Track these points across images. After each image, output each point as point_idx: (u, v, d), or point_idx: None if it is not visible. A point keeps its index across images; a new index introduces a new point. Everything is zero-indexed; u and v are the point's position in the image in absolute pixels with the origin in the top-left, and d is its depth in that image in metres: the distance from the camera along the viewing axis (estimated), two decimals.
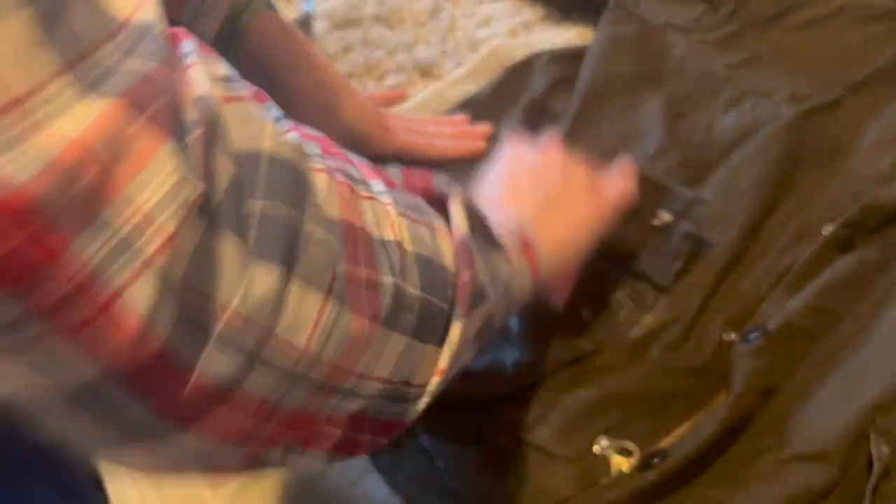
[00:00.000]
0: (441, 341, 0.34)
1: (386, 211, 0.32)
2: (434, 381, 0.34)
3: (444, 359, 0.34)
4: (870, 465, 0.46)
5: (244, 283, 0.25)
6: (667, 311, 0.53)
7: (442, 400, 0.49)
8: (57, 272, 0.21)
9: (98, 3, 0.22)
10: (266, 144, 0.27)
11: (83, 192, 0.21)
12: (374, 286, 0.29)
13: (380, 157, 0.62)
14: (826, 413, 0.48)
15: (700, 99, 0.68)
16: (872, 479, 0.44)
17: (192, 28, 0.57)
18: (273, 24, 0.58)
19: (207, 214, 0.24)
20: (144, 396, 0.24)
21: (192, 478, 0.35)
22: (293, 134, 0.30)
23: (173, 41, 0.27)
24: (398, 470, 0.47)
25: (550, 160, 0.51)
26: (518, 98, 0.69)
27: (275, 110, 0.30)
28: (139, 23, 0.23)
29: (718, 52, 0.72)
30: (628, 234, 0.55)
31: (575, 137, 0.62)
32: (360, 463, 0.48)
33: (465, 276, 0.35)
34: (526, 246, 0.43)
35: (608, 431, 0.49)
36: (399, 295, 0.31)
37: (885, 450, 0.46)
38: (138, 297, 0.22)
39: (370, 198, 0.32)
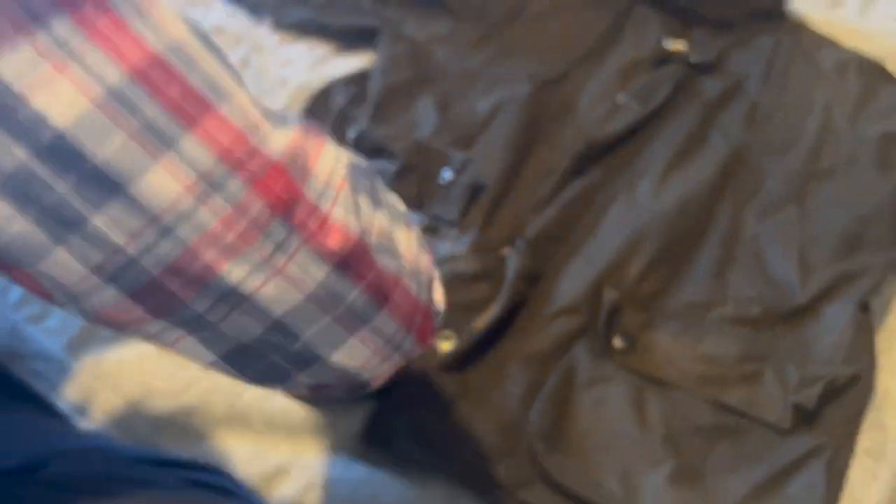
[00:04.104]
0: None
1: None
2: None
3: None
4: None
5: (376, 219, 0.38)
6: (457, 237, 0.73)
7: None
8: (297, 200, 0.34)
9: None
10: (342, 158, 0.40)
11: (302, 164, 0.35)
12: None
13: None
14: (575, 280, 0.69)
15: (462, 91, 0.88)
16: (604, 313, 0.66)
17: None
18: None
19: (350, 182, 0.38)
20: (356, 281, 0.36)
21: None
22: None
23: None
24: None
25: None
26: (325, 117, 0.87)
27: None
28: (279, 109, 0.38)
29: (471, 53, 0.93)
30: (424, 191, 0.75)
31: (372, 130, 0.81)
32: None
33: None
34: None
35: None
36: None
37: (613, 293, 0.68)
38: (337, 216, 0.35)
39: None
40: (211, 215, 0.32)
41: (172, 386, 0.63)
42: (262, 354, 0.37)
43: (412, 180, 0.77)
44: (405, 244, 0.40)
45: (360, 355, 0.39)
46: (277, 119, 0.36)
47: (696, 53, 0.92)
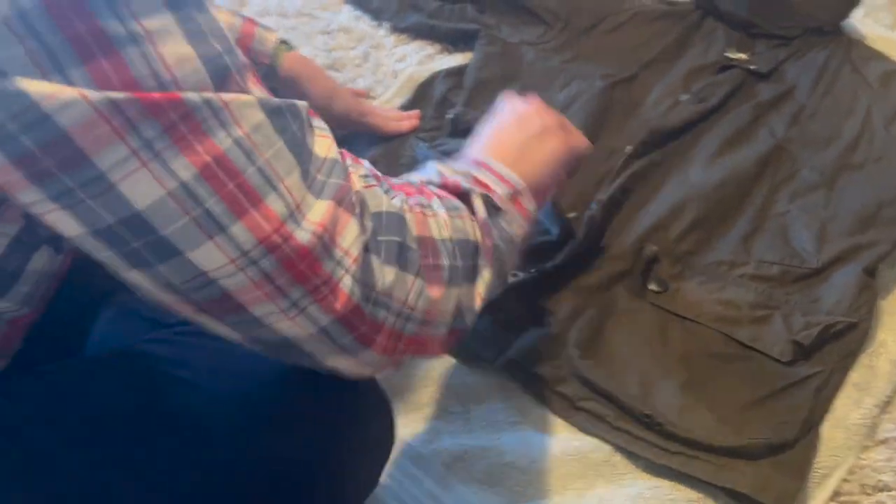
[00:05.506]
0: (477, 281, 0.53)
1: (442, 219, 0.51)
2: (478, 303, 0.54)
3: (482, 289, 0.54)
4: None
5: (383, 276, 0.45)
6: None
7: None
8: (316, 274, 0.42)
9: (315, 151, 0.43)
10: (384, 207, 0.47)
11: (327, 241, 0.42)
12: (438, 268, 0.49)
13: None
14: (627, 235, 0.84)
15: (544, 85, 1.04)
16: (642, 261, 0.80)
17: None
18: (294, 57, 0.90)
19: (367, 247, 0.45)
20: (350, 331, 0.45)
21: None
22: (395, 196, 0.50)
23: (343, 159, 0.46)
24: None
25: (533, 109, 0.69)
26: (430, 100, 1.05)
27: (385, 186, 0.50)
28: (330, 158, 0.44)
29: (555, 54, 1.09)
30: None
31: (466, 113, 0.98)
32: None
33: (488, 242, 0.54)
34: (516, 199, 0.58)
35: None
36: (451, 268, 0.50)
37: (653, 248, 0.82)
38: (345, 284, 0.43)
39: (434, 215, 0.51)
40: (245, 278, 0.41)
41: None
42: (295, 358, 0.47)
43: None
44: (405, 295, 0.47)
45: (354, 372, 0.49)
46: (318, 186, 0.42)
47: (757, 63, 1.05)
